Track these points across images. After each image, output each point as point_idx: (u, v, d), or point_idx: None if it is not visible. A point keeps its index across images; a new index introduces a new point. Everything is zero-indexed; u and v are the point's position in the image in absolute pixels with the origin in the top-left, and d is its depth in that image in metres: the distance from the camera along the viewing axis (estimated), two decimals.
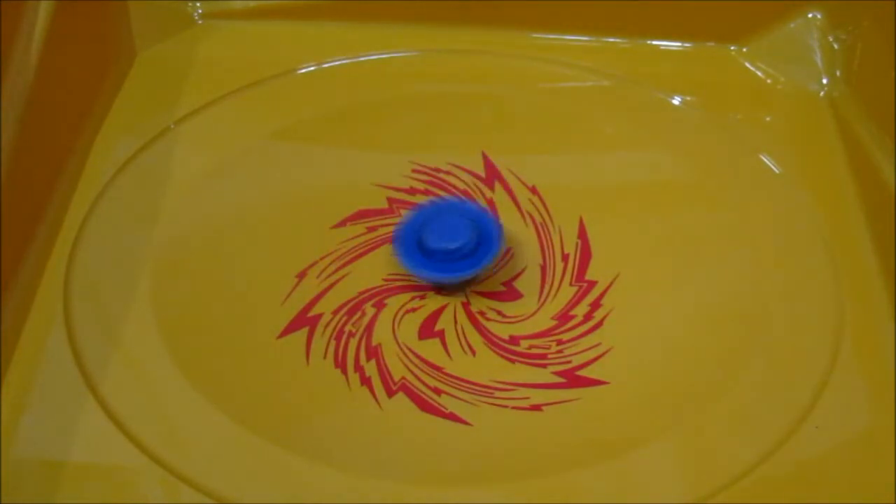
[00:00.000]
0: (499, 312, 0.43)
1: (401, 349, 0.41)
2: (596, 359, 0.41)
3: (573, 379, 0.40)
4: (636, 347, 0.42)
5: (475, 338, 0.42)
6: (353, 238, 0.45)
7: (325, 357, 0.41)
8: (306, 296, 0.43)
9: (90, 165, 0.47)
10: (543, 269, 0.45)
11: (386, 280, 0.44)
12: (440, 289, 0.44)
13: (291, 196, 0.47)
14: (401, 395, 0.40)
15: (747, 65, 0.54)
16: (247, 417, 0.38)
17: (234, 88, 0.51)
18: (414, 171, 0.49)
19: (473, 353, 0.42)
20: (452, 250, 0.42)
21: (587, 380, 0.40)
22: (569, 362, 0.41)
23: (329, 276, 0.44)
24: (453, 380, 0.40)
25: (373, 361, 0.41)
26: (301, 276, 0.44)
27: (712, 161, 0.49)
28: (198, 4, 0.55)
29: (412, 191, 0.47)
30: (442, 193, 0.47)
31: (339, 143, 0.50)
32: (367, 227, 0.46)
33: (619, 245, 0.46)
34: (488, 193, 0.48)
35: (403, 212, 0.46)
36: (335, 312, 0.43)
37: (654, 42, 0.55)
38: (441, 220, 0.43)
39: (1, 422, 0.37)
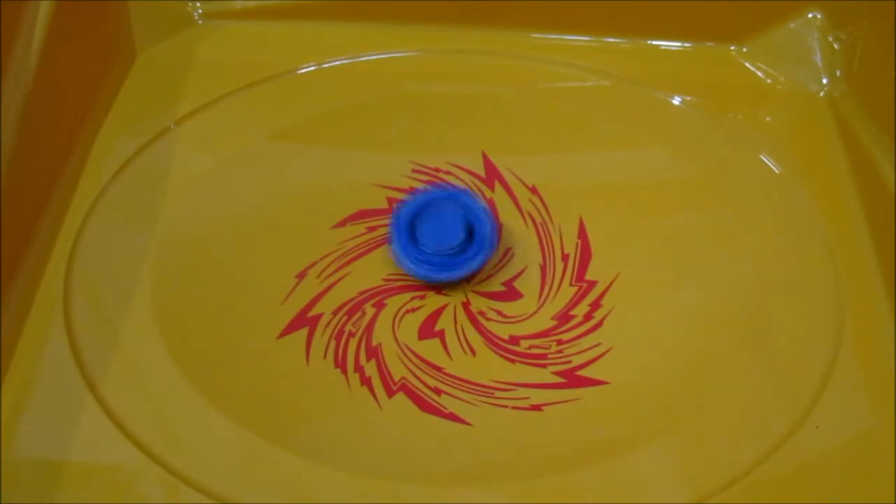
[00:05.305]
0: (499, 312, 0.43)
1: (401, 349, 0.41)
2: (596, 359, 0.41)
3: (573, 379, 0.40)
4: (636, 347, 0.42)
5: (475, 338, 0.42)
6: (353, 238, 0.45)
7: (325, 357, 0.41)
8: (306, 296, 0.43)
9: (90, 165, 0.47)
10: (543, 269, 0.45)
11: (386, 280, 0.44)
12: (440, 287, 0.44)
13: (291, 196, 0.47)
14: (401, 395, 0.40)
15: (747, 65, 0.54)
16: (247, 417, 0.38)
17: (234, 88, 0.51)
18: (414, 171, 0.48)
19: (473, 353, 0.42)
20: (447, 250, 0.42)
21: (587, 380, 0.40)
22: (569, 362, 0.41)
23: (329, 276, 0.44)
24: (453, 380, 0.40)
25: (373, 361, 0.41)
26: (301, 276, 0.44)
27: (712, 161, 0.49)
28: (198, 4, 0.55)
29: (412, 191, 0.47)
30: None
31: (339, 143, 0.50)
32: (367, 227, 0.46)
33: (619, 245, 0.46)
34: (488, 193, 0.48)
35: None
36: (335, 312, 0.43)
37: (654, 42, 0.55)
38: (434, 216, 0.43)
39: (1, 422, 0.37)
